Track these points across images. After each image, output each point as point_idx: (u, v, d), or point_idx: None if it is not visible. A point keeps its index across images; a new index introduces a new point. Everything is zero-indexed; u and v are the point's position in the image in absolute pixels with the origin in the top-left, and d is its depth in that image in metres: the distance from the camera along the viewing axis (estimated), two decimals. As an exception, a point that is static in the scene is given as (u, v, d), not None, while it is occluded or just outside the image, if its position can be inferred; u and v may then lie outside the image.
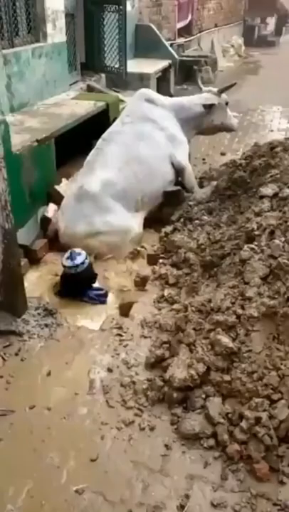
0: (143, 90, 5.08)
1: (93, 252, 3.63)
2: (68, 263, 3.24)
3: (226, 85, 5.27)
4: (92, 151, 4.39)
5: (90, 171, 4.14)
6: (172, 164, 4.53)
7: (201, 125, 5.07)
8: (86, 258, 3.29)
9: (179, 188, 4.53)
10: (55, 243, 3.93)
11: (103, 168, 4.10)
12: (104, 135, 4.53)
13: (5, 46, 4.87)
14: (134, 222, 3.95)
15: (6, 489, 1.95)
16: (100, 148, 4.36)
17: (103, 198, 3.88)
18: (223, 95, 5.15)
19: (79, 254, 3.28)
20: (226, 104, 5.19)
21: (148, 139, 4.46)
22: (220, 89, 5.16)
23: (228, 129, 5.47)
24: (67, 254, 3.31)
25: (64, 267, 3.27)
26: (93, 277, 3.42)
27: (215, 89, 5.20)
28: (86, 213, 3.80)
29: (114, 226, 3.77)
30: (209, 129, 5.25)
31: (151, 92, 5.08)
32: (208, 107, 5.00)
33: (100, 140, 4.52)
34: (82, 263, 3.25)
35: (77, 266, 3.22)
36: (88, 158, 4.33)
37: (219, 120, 5.14)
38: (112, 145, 4.33)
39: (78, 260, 3.23)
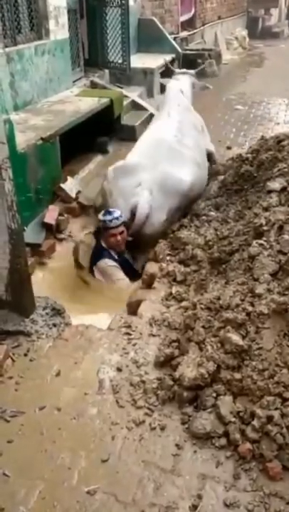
0: (173, 83, 5.28)
1: None
2: (108, 217, 3.61)
3: (199, 68, 6.16)
4: (169, 135, 4.24)
5: (179, 162, 4.03)
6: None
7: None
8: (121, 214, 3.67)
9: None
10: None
11: (188, 162, 4.12)
12: (174, 121, 4.47)
13: (8, 44, 4.87)
14: None
15: (18, 491, 1.95)
16: (177, 136, 4.27)
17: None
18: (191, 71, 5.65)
19: (114, 210, 3.67)
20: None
21: (198, 129, 4.76)
22: (196, 71, 5.74)
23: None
24: (102, 212, 3.69)
25: (104, 221, 3.63)
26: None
27: (192, 72, 5.65)
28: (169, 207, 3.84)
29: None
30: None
31: (184, 84, 5.33)
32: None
33: (171, 122, 4.44)
34: (121, 215, 3.65)
35: (117, 218, 3.62)
36: (166, 142, 4.15)
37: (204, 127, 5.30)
38: (187, 136, 4.37)
39: (117, 213, 3.63)
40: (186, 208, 4.03)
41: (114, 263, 3.66)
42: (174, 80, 5.42)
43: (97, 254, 3.73)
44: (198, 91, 5.54)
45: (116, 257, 3.72)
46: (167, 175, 3.86)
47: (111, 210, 3.69)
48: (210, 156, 4.93)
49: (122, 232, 3.70)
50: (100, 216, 3.67)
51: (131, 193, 3.81)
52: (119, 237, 3.70)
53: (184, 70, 5.71)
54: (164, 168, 3.89)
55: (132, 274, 3.71)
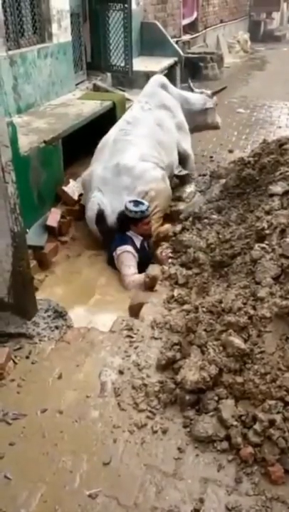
0: (158, 77, 5.45)
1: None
2: (134, 208, 3.75)
3: (218, 88, 5.98)
4: (116, 131, 4.49)
5: (123, 148, 4.26)
6: (178, 151, 4.87)
7: (195, 121, 5.43)
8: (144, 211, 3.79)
9: (187, 172, 4.97)
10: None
11: (135, 146, 4.29)
12: (128, 118, 4.67)
13: (11, 47, 4.88)
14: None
15: (19, 494, 1.95)
16: (125, 130, 4.49)
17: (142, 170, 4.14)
18: (214, 97, 5.63)
19: (141, 202, 3.82)
20: (216, 105, 5.69)
21: (165, 127, 4.78)
22: (213, 92, 5.65)
23: (214, 128, 5.94)
24: (130, 201, 3.80)
25: (129, 211, 3.75)
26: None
27: (208, 92, 5.63)
28: (127, 185, 4.02)
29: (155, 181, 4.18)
30: (198, 127, 5.63)
31: (164, 79, 5.36)
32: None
33: (122, 121, 4.66)
34: (148, 207, 3.82)
35: (147, 209, 3.79)
36: (111, 137, 4.42)
37: (210, 119, 5.62)
38: (139, 128, 4.51)
39: (145, 205, 3.79)
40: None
41: (134, 251, 3.77)
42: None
43: (120, 240, 3.82)
44: (209, 109, 5.60)
45: (139, 245, 3.84)
46: (109, 165, 4.13)
47: (139, 200, 3.85)
48: (184, 159, 5.00)
49: (149, 222, 3.92)
50: (132, 207, 3.76)
51: (90, 202, 4.07)
52: (146, 227, 3.89)
53: (203, 89, 5.78)
54: (107, 162, 4.16)
55: (149, 260, 3.80)
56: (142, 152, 4.26)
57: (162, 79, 5.29)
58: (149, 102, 4.85)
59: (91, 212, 4.03)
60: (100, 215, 3.96)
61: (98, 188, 4.05)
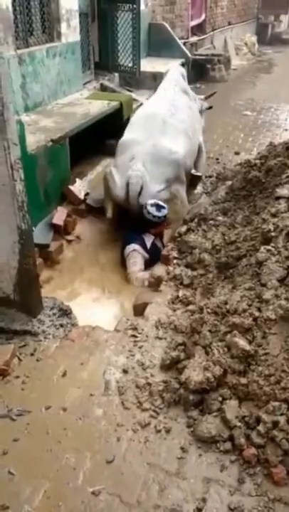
0: (178, 66, 5.49)
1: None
2: (157, 213, 3.80)
3: (210, 93, 6.16)
4: (164, 111, 4.48)
5: (172, 134, 4.30)
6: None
7: None
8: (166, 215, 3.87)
9: (200, 174, 5.05)
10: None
11: (181, 134, 4.39)
12: (170, 98, 4.70)
13: (20, 46, 4.90)
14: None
15: (23, 490, 1.96)
16: (171, 111, 4.52)
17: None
18: (205, 102, 5.74)
19: (163, 207, 3.84)
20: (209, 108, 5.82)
21: (193, 111, 4.95)
22: (206, 96, 5.82)
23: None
24: (152, 205, 3.82)
25: (152, 215, 3.80)
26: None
27: (201, 96, 5.74)
28: (168, 178, 4.06)
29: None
30: None
31: (183, 70, 5.54)
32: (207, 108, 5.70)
33: (164, 100, 4.67)
34: (166, 214, 3.85)
35: (164, 216, 3.83)
36: (160, 115, 4.40)
37: (203, 121, 5.64)
38: (180, 112, 4.61)
39: (163, 212, 3.82)
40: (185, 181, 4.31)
41: (142, 251, 3.82)
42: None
43: (131, 238, 3.89)
44: (203, 111, 5.65)
45: (150, 244, 3.89)
46: (159, 146, 4.10)
47: (160, 203, 3.85)
48: (199, 153, 5.05)
49: (162, 227, 3.99)
50: (155, 212, 3.80)
51: (125, 168, 4.00)
52: (157, 231, 3.97)
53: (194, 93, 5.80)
54: (157, 141, 4.13)
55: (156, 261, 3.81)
56: (186, 149, 4.30)
57: (182, 69, 5.46)
58: (178, 85, 4.97)
59: (135, 186, 3.88)
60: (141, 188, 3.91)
61: (144, 163, 3.99)
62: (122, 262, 3.90)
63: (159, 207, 3.83)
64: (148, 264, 3.78)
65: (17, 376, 2.53)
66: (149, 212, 3.80)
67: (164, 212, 3.82)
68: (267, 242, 2.82)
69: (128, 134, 4.37)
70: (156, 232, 3.94)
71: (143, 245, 3.83)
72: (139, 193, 3.91)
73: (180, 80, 5.11)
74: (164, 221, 3.87)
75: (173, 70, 5.32)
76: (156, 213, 3.79)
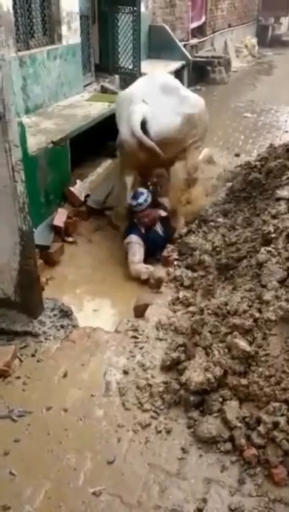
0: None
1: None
2: (133, 202, 3.90)
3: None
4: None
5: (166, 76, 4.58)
6: None
7: None
8: (148, 195, 3.91)
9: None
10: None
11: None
12: None
13: (20, 48, 4.91)
14: None
15: (24, 490, 1.97)
16: None
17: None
18: None
19: (142, 193, 3.91)
20: None
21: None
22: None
23: None
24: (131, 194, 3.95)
25: (130, 205, 3.94)
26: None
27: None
28: (174, 105, 4.03)
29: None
30: None
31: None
32: None
33: None
34: (146, 199, 3.89)
35: (140, 204, 3.89)
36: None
37: None
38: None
39: (141, 199, 3.88)
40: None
41: (139, 239, 3.88)
42: None
43: (129, 228, 4.01)
44: None
45: (143, 231, 3.95)
46: (155, 81, 4.20)
47: (139, 191, 3.93)
48: None
49: (147, 215, 3.98)
50: (129, 199, 3.94)
51: (127, 113, 3.93)
52: (145, 219, 3.98)
53: None
54: (151, 82, 4.22)
55: (162, 247, 3.85)
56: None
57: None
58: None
59: (135, 117, 3.81)
60: (143, 125, 3.83)
61: (143, 101, 3.94)
62: (126, 256, 3.98)
63: (136, 194, 3.91)
64: (146, 253, 3.88)
65: (18, 377, 2.53)
66: (129, 205, 3.92)
67: (143, 197, 3.87)
68: (267, 243, 2.83)
69: (131, 86, 4.38)
70: (140, 221, 3.96)
71: (139, 234, 3.91)
72: (145, 128, 3.82)
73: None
74: (145, 209, 3.90)
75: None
76: (133, 202, 3.89)
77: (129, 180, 4.16)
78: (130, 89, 4.30)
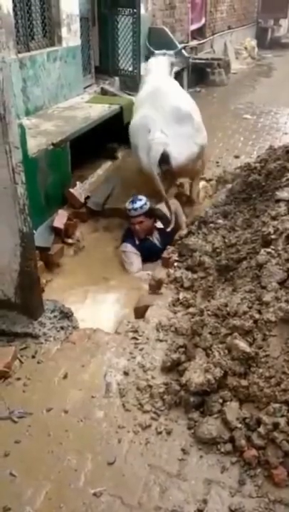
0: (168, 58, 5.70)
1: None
2: (129, 206, 3.90)
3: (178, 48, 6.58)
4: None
5: (175, 96, 4.56)
6: None
7: None
8: (145, 203, 3.90)
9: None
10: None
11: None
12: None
13: (21, 50, 4.93)
14: None
15: (24, 491, 1.97)
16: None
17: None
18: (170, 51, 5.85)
19: (140, 199, 3.91)
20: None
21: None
22: (175, 52, 6.00)
23: None
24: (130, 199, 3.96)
25: (128, 209, 3.91)
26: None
27: (171, 52, 5.81)
28: (191, 135, 4.20)
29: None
30: None
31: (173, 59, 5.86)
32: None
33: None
34: (142, 206, 3.88)
35: (135, 209, 3.88)
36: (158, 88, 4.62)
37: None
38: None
39: (138, 204, 3.87)
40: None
41: (133, 249, 3.86)
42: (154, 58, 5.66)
43: (124, 236, 4.02)
44: (180, 66, 5.71)
45: (137, 242, 3.92)
46: (169, 108, 4.23)
47: (138, 197, 3.92)
48: None
49: (140, 222, 3.92)
50: (127, 204, 3.92)
51: (146, 142, 4.05)
52: (137, 227, 3.93)
53: (164, 51, 5.82)
54: (164, 106, 4.25)
55: (157, 257, 3.79)
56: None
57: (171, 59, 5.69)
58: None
59: (154, 153, 3.95)
60: (165, 157, 3.98)
61: (161, 131, 4.05)
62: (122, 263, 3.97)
63: (134, 199, 3.88)
64: (146, 258, 3.87)
65: (18, 378, 2.54)
66: (126, 209, 3.87)
67: (140, 203, 3.83)
68: (267, 244, 2.83)
69: (137, 115, 4.48)
70: (139, 227, 3.92)
71: (133, 243, 3.87)
72: (164, 159, 3.94)
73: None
74: (142, 214, 3.86)
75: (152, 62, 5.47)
76: (129, 206, 3.85)
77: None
78: (144, 116, 4.29)
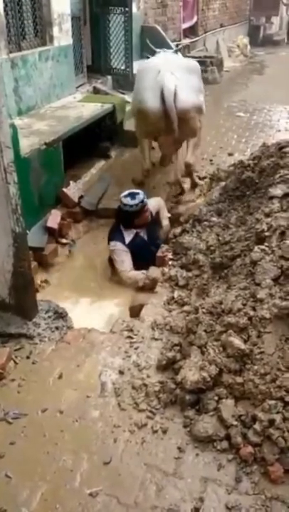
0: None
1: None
2: (132, 201, 3.69)
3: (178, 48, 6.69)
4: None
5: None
6: None
7: None
8: (143, 199, 3.74)
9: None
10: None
11: None
12: None
13: (12, 50, 4.90)
14: None
15: (20, 492, 1.96)
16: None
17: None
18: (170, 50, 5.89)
19: (137, 193, 3.74)
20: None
21: None
22: (175, 50, 5.98)
23: None
24: (126, 196, 3.75)
25: (129, 206, 3.71)
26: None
27: (169, 51, 5.71)
28: (198, 87, 4.47)
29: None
30: None
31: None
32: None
33: None
34: (143, 199, 3.72)
35: (142, 201, 3.71)
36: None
37: None
38: None
39: (141, 196, 3.72)
40: None
41: (123, 247, 3.73)
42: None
43: (112, 233, 3.83)
44: None
45: (130, 239, 3.78)
46: (179, 61, 4.66)
47: (133, 192, 3.79)
48: None
49: (146, 213, 3.83)
50: (130, 201, 3.72)
51: (154, 81, 4.15)
52: (147, 214, 3.83)
53: (164, 49, 5.83)
54: (177, 60, 4.69)
55: (147, 255, 3.74)
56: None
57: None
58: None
59: (167, 90, 4.03)
60: (174, 95, 4.05)
61: (171, 73, 4.16)
62: (110, 260, 3.87)
63: (132, 195, 3.74)
64: (136, 258, 3.74)
65: (13, 379, 2.52)
66: (125, 204, 3.71)
67: (140, 198, 3.70)
68: (261, 241, 2.83)
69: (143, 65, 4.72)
70: (143, 221, 3.80)
71: (122, 241, 3.74)
72: (174, 99, 4.03)
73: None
74: (143, 208, 3.73)
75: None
76: (131, 202, 3.69)
77: (146, 143, 4.61)
78: (153, 61, 4.54)
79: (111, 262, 3.87)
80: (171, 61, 4.56)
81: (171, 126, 4.09)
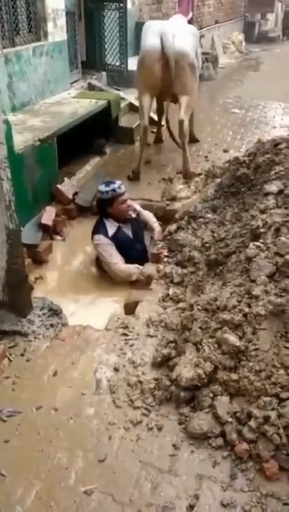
0: None
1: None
2: (105, 188, 3.64)
3: None
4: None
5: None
6: None
7: None
8: (120, 186, 3.68)
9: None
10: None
11: None
12: None
13: (6, 45, 4.87)
14: None
15: (14, 491, 1.95)
16: None
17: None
18: None
19: (114, 182, 3.70)
20: None
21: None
22: None
23: None
24: (103, 184, 3.73)
25: (104, 192, 3.64)
26: None
27: None
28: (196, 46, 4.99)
29: None
30: None
31: None
32: None
33: None
34: (119, 188, 3.65)
35: (120, 187, 3.65)
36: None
37: None
38: None
39: (117, 183, 3.68)
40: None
41: (107, 239, 3.62)
42: None
43: (96, 227, 3.73)
44: None
45: (113, 232, 3.68)
46: (180, 23, 5.22)
47: (111, 181, 3.74)
48: None
49: (126, 201, 3.72)
50: (104, 187, 3.64)
51: (156, 31, 4.72)
52: (129, 202, 3.75)
53: None
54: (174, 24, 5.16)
55: (132, 252, 3.68)
56: None
57: None
58: None
59: (166, 34, 4.61)
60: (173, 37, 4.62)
61: (173, 35, 4.64)
62: (96, 260, 3.80)
63: (108, 183, 3.68)
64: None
65: (7, 377, 2.51)
66: (99, 191, 3.66)
67: (113, 186, 3.61)
68: (256, 238, 2.82)
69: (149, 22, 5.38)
70: (119, 212, 3.68)
71: (105, 233, 3.64)
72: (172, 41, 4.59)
73: None
74: (118, 195, 3.62)
75: None
76: (104, 189, 3.61)
77: (146, 100, 4.91)
78: (157, 21, 5.36)
79: (97, 261, 3.78)
80: (173, 23, 5.16)
81: (169, 64, 4.57)
